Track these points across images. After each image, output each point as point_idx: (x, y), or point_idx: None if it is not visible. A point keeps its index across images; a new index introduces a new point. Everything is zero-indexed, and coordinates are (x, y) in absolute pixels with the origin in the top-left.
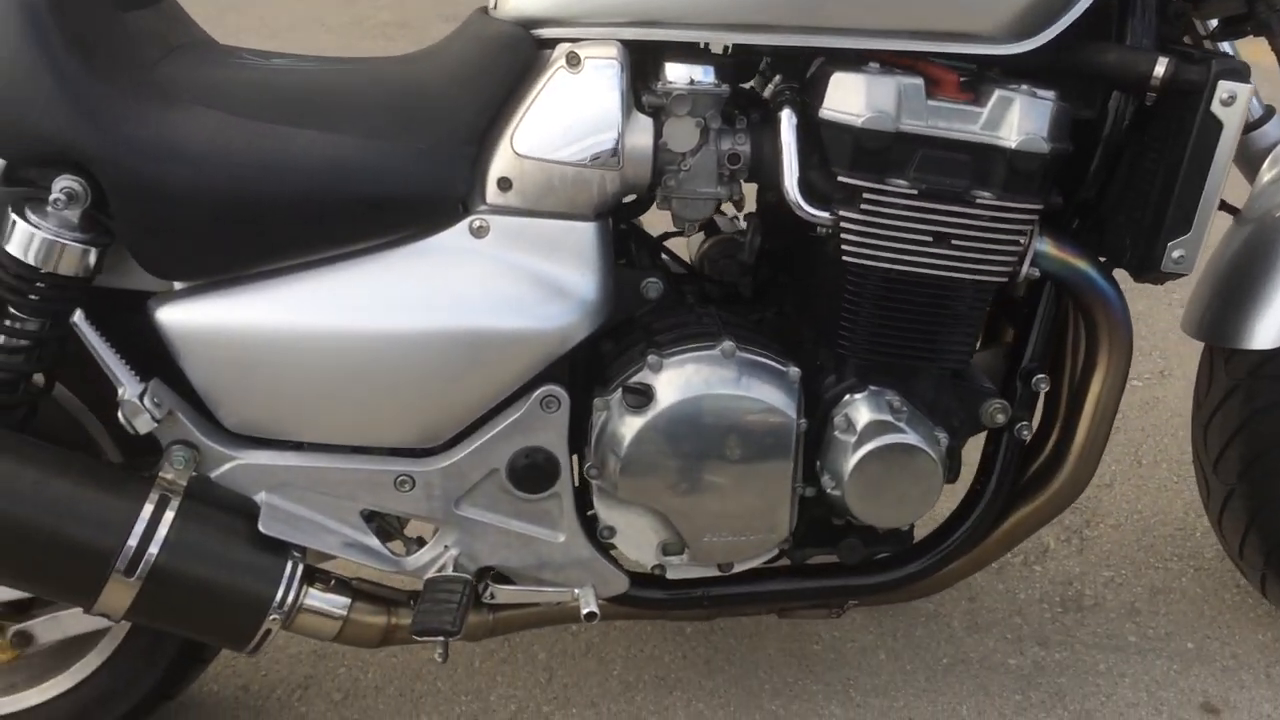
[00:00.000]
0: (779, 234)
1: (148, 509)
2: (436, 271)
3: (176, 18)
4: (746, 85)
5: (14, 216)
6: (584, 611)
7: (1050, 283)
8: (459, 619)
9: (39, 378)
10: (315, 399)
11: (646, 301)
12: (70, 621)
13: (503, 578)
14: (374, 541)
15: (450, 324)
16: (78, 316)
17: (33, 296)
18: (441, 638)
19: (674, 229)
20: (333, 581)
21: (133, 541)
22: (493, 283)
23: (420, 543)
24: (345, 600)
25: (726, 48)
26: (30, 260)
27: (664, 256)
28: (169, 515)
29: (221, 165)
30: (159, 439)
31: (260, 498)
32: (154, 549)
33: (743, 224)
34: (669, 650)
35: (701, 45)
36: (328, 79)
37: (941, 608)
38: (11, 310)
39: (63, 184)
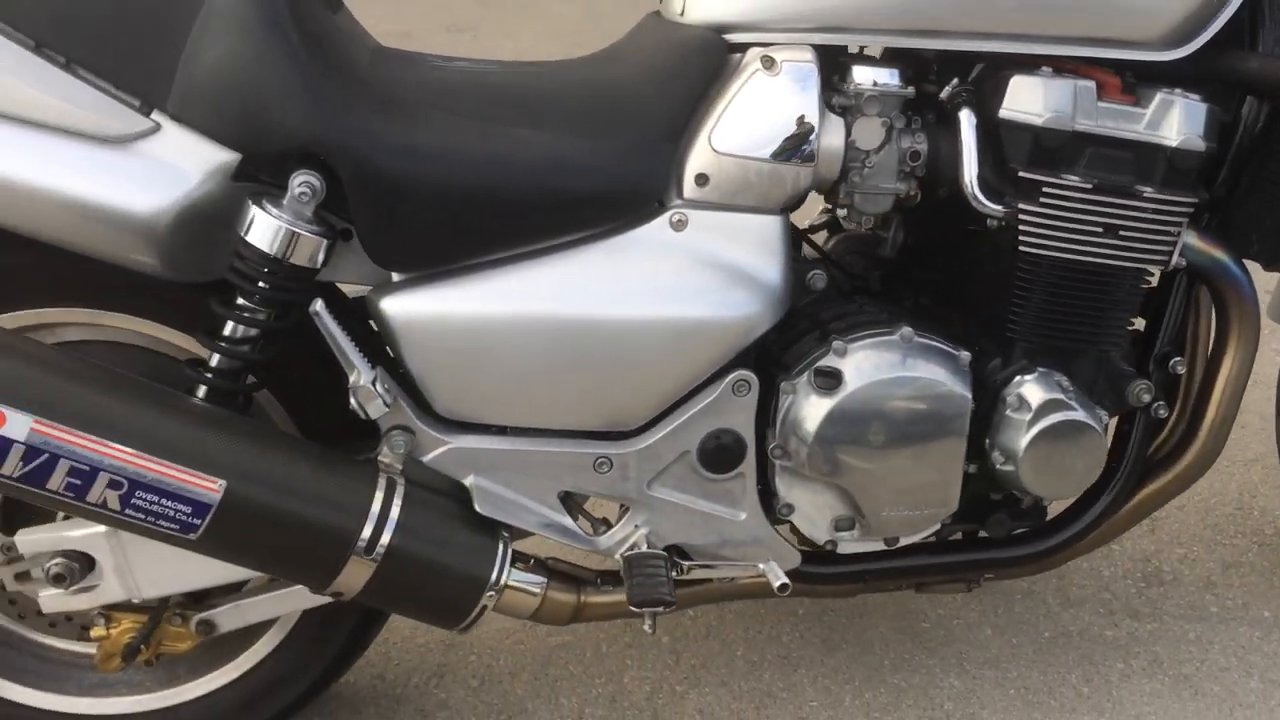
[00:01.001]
0: (930, 229)
1: (379, 492)
2: (640, 263)
3: (355, 23)
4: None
5: (254, 207)
6: (776, 584)
7: (1183, 272)
8: (672, 590)
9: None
10: (526, 385)
11: (810, 292)
12: (252, 609)
13: (683, 555)
14: (570, 521)
15: (654, 313)
16: (318, 305)
17: (266, 285)
18: (660, 609)
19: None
20: (531, 561)
21: (370, 523)
22: (692, 274)
23: (605, 523)
24: (542, 579)
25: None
26: (268, 249)
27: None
28: (398, 498)
29: (449, 161)
30: (380, 425)
31: (469, 481)
32: (388, 530)
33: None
34: (786, 631)
35: (856, 49)
36: (526, 80)
37: (1035, 585)
38: (241, 301)
39: (302, 178)
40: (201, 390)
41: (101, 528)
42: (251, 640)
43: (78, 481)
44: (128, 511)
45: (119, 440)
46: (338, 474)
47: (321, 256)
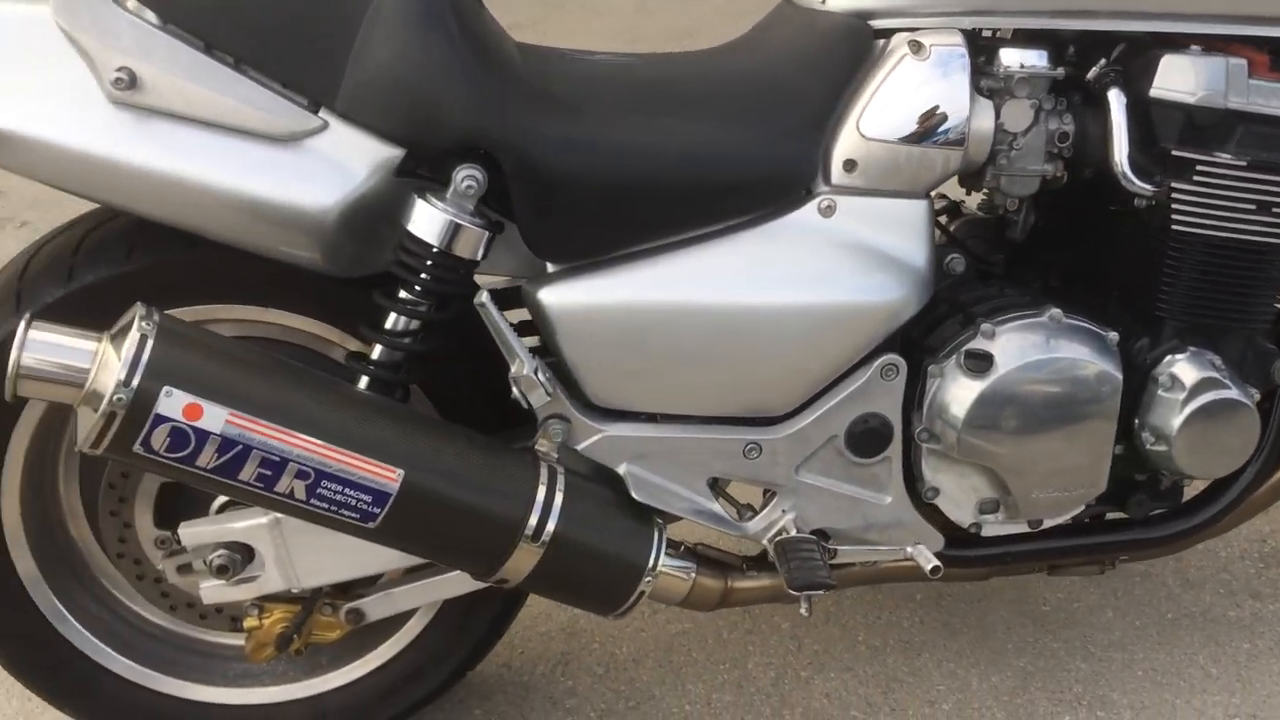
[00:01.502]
0: (1065, 211)
1: (543, 480)
2: (789, 250)
3: (495, 20)
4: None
5: (418, 201)
6: (928, 568)
7: None
8: (830, 573)
9: None
10: (679, 372)
11: (948, 276)
12: (402, 598)
13: (827, 538)
14: (718, 507)
15: (804, 299)
16: (484, 296)
17: (428, 277)
18: (820, 591)
19: None
20: (681, 548)
21: (536, 510)
22: (840, 260)
23: (749, 508)
24: (691, 565)
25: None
26: (432, 241)
27: None
28: (560, 485)
29: (606, 153)
30: (537, 414)
31: (622, 468)
32: (553, 517)
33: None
34: (906, 616)
35: (992, 34)
36: (669, 71)
37: (1152, 568)
38: (403, 293)
39: (465, 172)
40: (363, 381)
41: (264, 519)
42: (394, 629)
43: (268, 472)
44: (312, 501)
45: (307, 431)
46: (504, 462)
47: (482, 248)
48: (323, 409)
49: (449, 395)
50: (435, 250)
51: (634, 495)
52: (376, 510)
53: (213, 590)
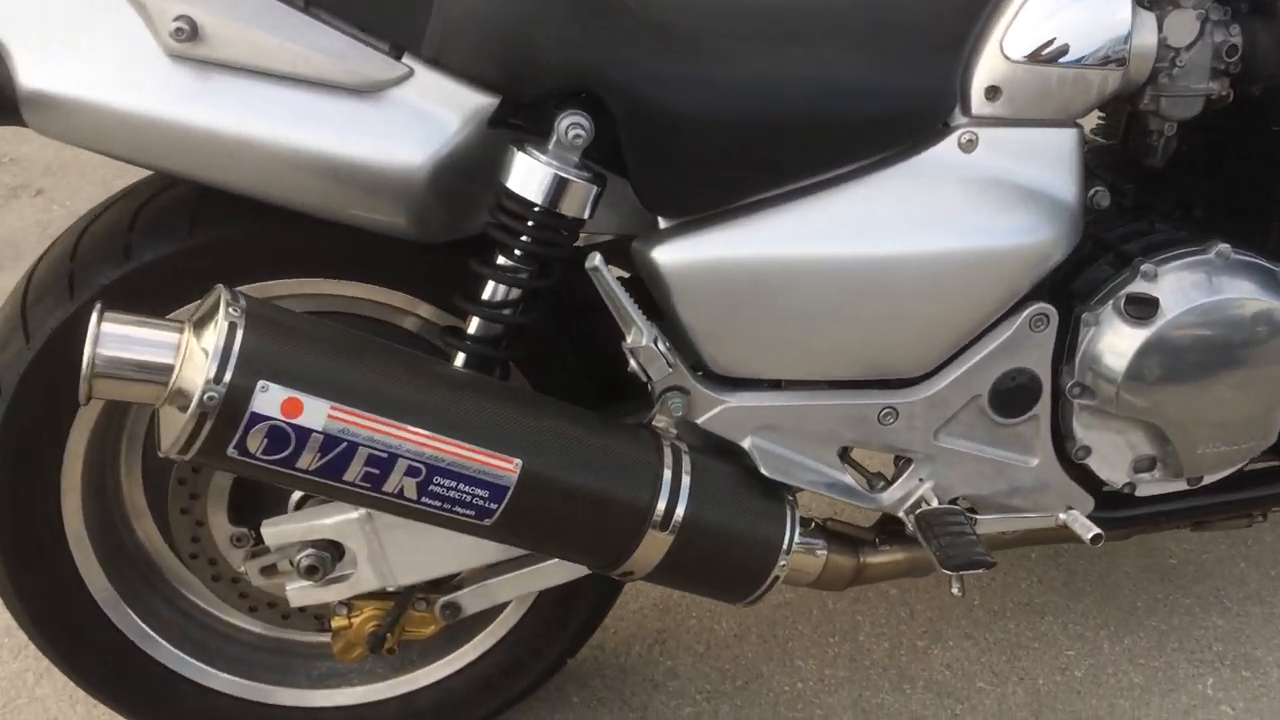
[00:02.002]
0: (1215, 134)
1: (668, 460)
2: (927, 191)
3: None
4: None
5: (518, 154)
6: (1087, 536)
7: None
8: (986, 549)
9: None
10: (808, 333)
11: (1090, 212)
12: (499, 589)
13: (969, 507)
14: (850, 479)
15: (945, 245)
16: (597, 260)
17: (529, 239)
18: (979, 570)
19: None
20: (811, 524)
21: (664, 494)
22: (985, 199)
23: (880, 477)
24: (823, 542)
25: None
26: (534, 198)
27: None
28: (686, 465)
29: (726, 91)
30: (654, 388)
31: (747, 442)
32: (683, 500)
33: None
34: (1023, 577)
35: None
36: None
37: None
38: (502, 259)
39: (571, 119)
40: (459, 359)
41: (355, 514)
42: (488, 620)
43: (375, 471)
44: (424, 501)
45: (417, 422)
46: (625, 444)
47: (590, 205)
48: (431, 395)
49: (545, 370)
50: (538, 209)
51: (763, 471)
52: (494, 506)
53: (301, 592)
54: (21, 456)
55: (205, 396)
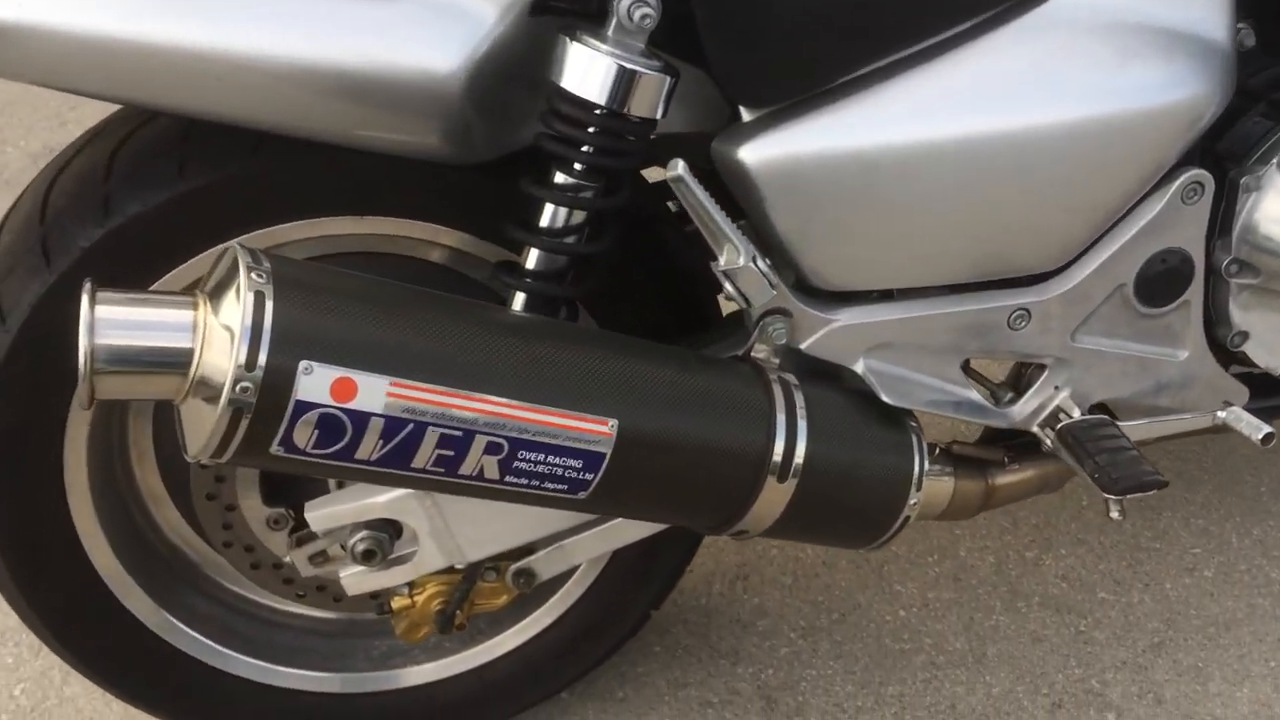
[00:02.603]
0: None
1: (780, 398)
2: (1059, 46)
3: None
4: None
5: (572, 44)
6: (1258, 436)
7: None
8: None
9: None
10: (927, 230)
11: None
12: (575, 550)
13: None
14: (976, 395)
15: (1088, 110)
16: (680, 168)
17: (592, 148)
18: (1151, 491)
19: None
20: (936, 451)
21: (780, 436)
22: (1124, 50)
23: (1005, 388)
24: (950, 469)
25: None
26: (595, 97)
27: None
28: (799, 401)
29: None
30: (752, 313)
31: (860, 365)
32: (801, 441)
33: None
34: None
35: None
36: None
37: None
38: (560, 177)
39: None
40: (519, 300)
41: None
42: (563, 581)
43: (450, 453)
44: (508, 480)
45: (492, 390)
46: (727, 382)
47: (663, 102)
48: (504, 354)
49: (614, 304)
50: (601, 110)
51: (883, 396)
52: (589, 476)
53: (357, 579)
54: (15, 458)
55: (237, 387)
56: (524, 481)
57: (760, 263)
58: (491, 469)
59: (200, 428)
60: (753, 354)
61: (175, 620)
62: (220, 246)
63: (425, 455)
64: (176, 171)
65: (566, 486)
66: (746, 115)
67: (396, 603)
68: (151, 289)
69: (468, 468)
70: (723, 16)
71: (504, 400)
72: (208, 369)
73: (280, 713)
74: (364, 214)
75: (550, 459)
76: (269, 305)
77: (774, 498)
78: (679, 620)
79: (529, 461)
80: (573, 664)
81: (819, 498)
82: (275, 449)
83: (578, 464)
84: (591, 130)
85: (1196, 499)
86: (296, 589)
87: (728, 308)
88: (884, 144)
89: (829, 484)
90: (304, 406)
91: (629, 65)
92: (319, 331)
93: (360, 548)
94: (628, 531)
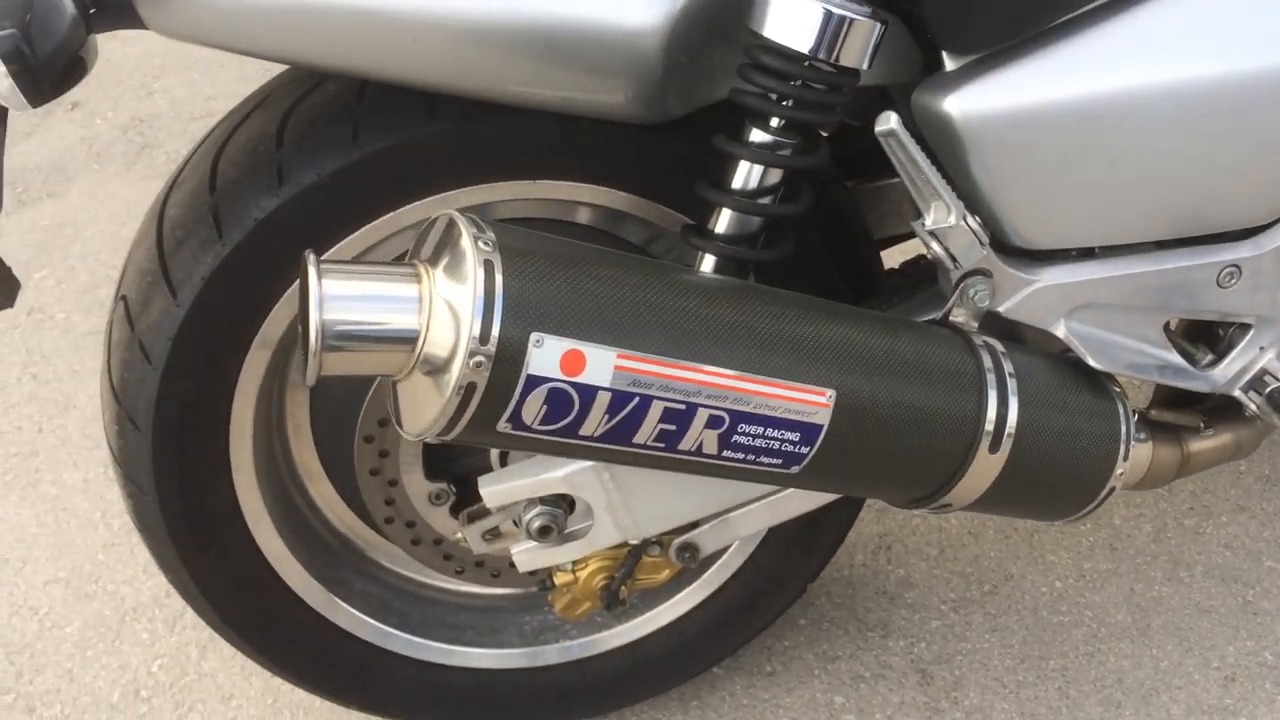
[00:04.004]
0: None
1: (988, 364)
2: None
3: None
4: None
5: None
6: None
7: None
8: None
9: None
10: (1144, 181)
11: None
12: (742, 523)
13: None
14: (1177, 357)
15: None
16: (892, 121)
17: (794, 101)
18: None
19: None
20: (1136, 416)
21: (992, 405)
22: None
23: (1202, 349)
24: (1147, 436)
25: None
26: (802, 46)
27: None
28: (1008, 367)
29: None
30: (953, 275)
31: (1060, 328)
32: (1013, 410)
33: None
34: None
35: None
36: None
37: None
38: (756, 134)
39: None
40: (708, 263)
41: (589, 461)
42: (720, 553)
43: (672, 427)
44: (725, 455)
45: (716, 361)
46: (935, 348)
47: (870, 52)
48: (726, 322)
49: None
50: (808, 60)
51: (1089, 360)
52: (804, 450)
53: (529, 555)
54: (183, 435)
55: (471, 361)
56: (740, 456)
57: (971, 220)
58: (711, 444)
59: (426, 404)
60: (953, 318)
61: (333, 596)
62: (437, 215)
63: (648, 430)
64: (351, 138)
65: (781, 461)
66: (950, 64)
67: (559, 578)
68: (369, 260)
69: (688, 443)
70: None
71: (727, 371)
72: (435, 344)
73: (435, 688)
74: (537, 178)
75: (769, 432)
76: (498, 275)
77: (984, 469)
78: (822, 592)
79: (748, 435)
80: (729, 639)
81: (1028, 468)
82: (502, 425)
83: (795, 437)
84: (795, 82)
85: None
86: (455, 565)
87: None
88: (1100, 90)
89: (1040, 454)
90: (535, 381)
91: (840, 11)
92: (549, 302)
93: (536, 524)
94: (795, 504)
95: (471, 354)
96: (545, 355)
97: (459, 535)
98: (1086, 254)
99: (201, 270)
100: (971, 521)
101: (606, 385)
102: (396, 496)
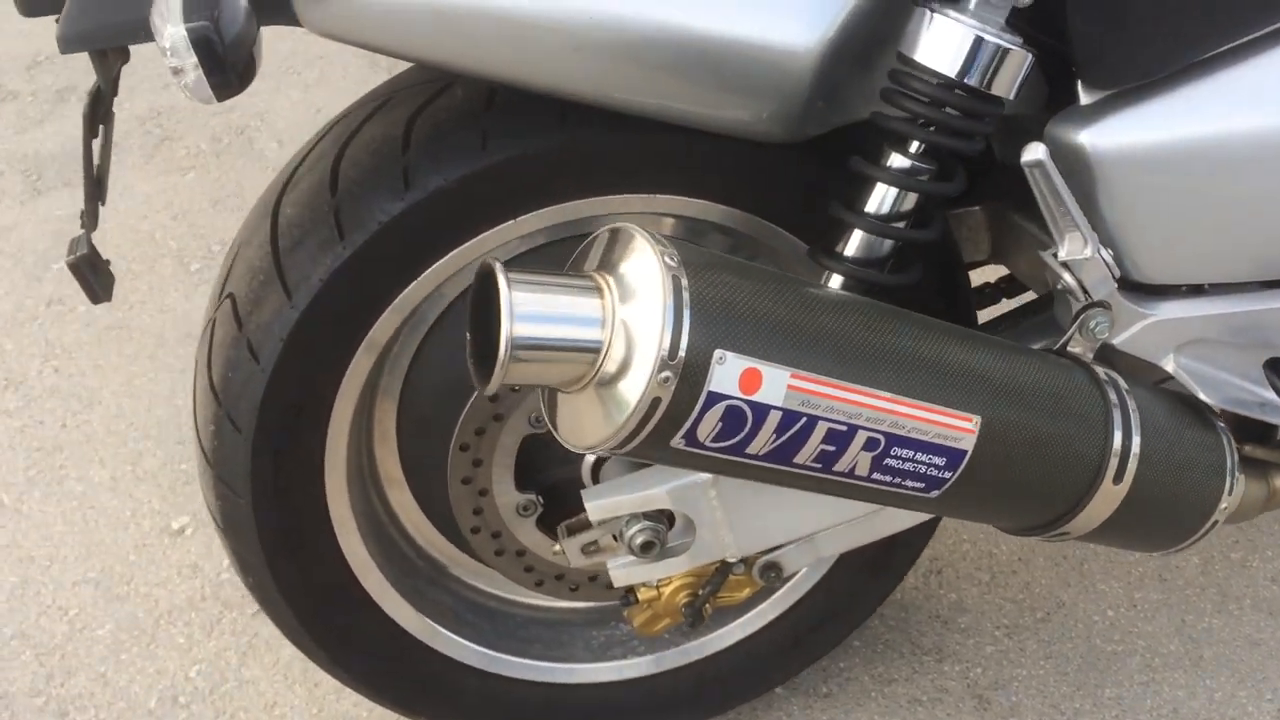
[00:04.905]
0: None
1: (1112, 395)
2: None
3: None
4: None
5: (931, 15)
6: None
7: None
8: None
9: None
10: (1265, 221)
11: None
12: (827, 543)
13: None
14: (1274, 395)
15: None
16: (1039, 152)
17: (938, 127)
18: None
19: None
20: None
21: (1117, 436)
22: None
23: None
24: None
25: None
26: (952, 72)
27: None
28: (1131, 401)
29: None
30: (1074, 307)
31: (1169, 363)
32: (1135, 443)
33: None
34: None
35: None
36: None
37: None
38: (895, 159)
39: None
40: (834, 282)
41: (699, 478)
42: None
43: (831, 448)
44: (874, 477)
45: (878, 383)
46: (1063, 376)
47: (1019, 81)
48: (886, 344)
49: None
50: (958, 87)
51: (1201, 395)
52: (947, 475)
53: (626, 570)
54: (284, 436)
55: (659, 376)
56: (887, 479)
57: (1105, 253)
58: (864, 465)
59: (600, 418)
60: (1070, 348)
61: (410, 606)
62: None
63: (809, 451)
64: (479, 144)
65: (924, 485)
66: (1086, 98)
67: (643, 594)
68: (548, 270)
69: (843, 464)
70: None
71: (887, 394)
72: (618, 358)
73: (502, 701)
74: (656, 192)
75: (918, 456)
76: (686, 291)
77: (1107, 499)
78: (876, 615)
79: (899, 458)
80: (794, 662)
81: (1145, 499)
82: (676, 441)
83: (940, 461)
84: (942, 107)
85: None
86: (535, 577)
87: None
88: (1236, 129)
89: (1157, 485)
90: (714, 398)
91: (995, 39)
92: (731, 319)
93: (639, 539)
94: (879, 527)
95: (659, 369)
96: (726, 372)
97: (558, 548)
98: (1196, 290)
99: (320, 271)
100: (1022, 548)
101: (779, 404)
102: (485, 506)
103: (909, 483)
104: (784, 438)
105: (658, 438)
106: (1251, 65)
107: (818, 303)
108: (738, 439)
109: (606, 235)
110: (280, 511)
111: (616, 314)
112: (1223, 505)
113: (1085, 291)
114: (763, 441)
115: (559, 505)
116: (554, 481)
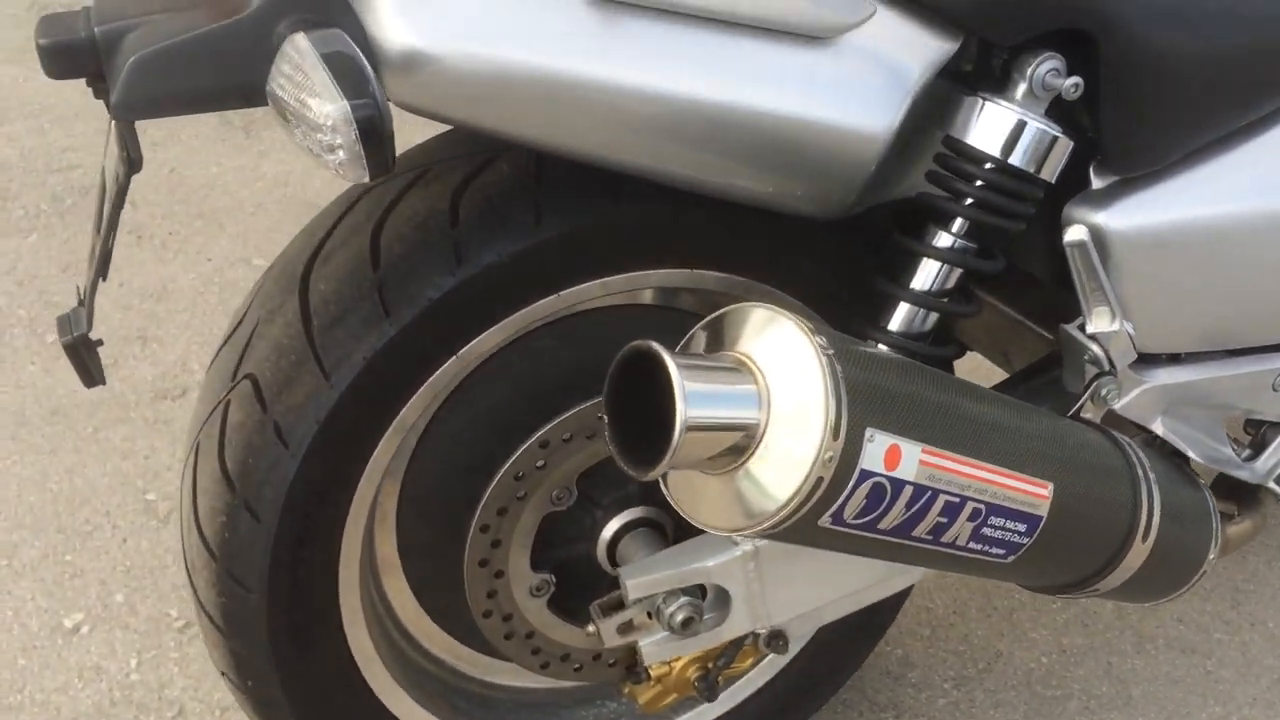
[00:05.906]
0: None
1: (1136, 460)
2: None
3: None
4: None
5: (982, 102)
6: None
7: None
8: None
9: None
10: (1257, 295)
11: None
12: (827, 611)
13: None
14: (1229, 449)
15: None
16: (1082, 233)
17: (983, 207)
18: None
19: None
20: None
21: (1145, 499)
22: None
23: (1250, 446)
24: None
25: None
26: (1002, 155)
27: None
28: (1148, 464)
29: (1210, 14)
30: (1087, 374)
31: (1158, 425)
32: (1157, 504)
33: None
34: None
35: None
36: None
37: None
38: (940, 237)
39: (1049, 64)
40: None
41: (738, 551)
42: None
43: (944, 520)
44: (969, 545)
45: (986, 456)
46: (1099, 442)
47: (1060, 166)
48: (990, 419)
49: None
50: (1005, 170)
51: (1190, 453)
52: (1025, 540)
53: (660, 647)
54: (306, 525)
55: (825, 456)
56: (979, 547)
57: (1127, 325)
58: (964, 535)
59: (761, 498)
60: (1084, 414)
61: (407, 696)
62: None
63: (928, 523)
64: (533, 219)
65: (1004, 551)
66: (1097, 182)
67: (656, 670)
68: (695, 354)
69: (950, 534)
70: (1131, 88)
71: (990, 465)
72: (778, 438)
73: None
74: (697, 267)
75: (1007, 523)
76: (839, 373)
77: (1135, 556)
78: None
79: (993, 526)
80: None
81: (1161, 555)
82: (824, 521)
83: (1022, 528)
84: (989, 188)
85: (1273, 542)
86: (543, 659)
87: None
88: (1238, 212)
89: (1170, 539)
90: (865, 475)
91: (1043, 126)
92: (875, 397)
93: (680, 616)
94: (875, 592)
95: (823, 449)
96: (875, 450)
97: (591, 629)
98: (1174, 358)
99: (363, 350)
100: (954, 600)
101: (911, 479)
102: (499, 589)
103: (994, 549)
104: (911, 511)
105: (810, 517)
106: (1253, 149)
107: (932, 379)
108: (874, 515)
109: (735, 315)
110: (294, 606)
111: (773, 396)
112: (1211, 556)
113: (1111, 361)
114: (895, 517)
115: (570, 585)
116: (565, 560)
